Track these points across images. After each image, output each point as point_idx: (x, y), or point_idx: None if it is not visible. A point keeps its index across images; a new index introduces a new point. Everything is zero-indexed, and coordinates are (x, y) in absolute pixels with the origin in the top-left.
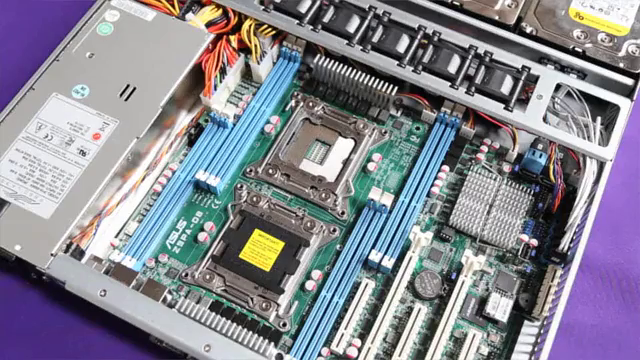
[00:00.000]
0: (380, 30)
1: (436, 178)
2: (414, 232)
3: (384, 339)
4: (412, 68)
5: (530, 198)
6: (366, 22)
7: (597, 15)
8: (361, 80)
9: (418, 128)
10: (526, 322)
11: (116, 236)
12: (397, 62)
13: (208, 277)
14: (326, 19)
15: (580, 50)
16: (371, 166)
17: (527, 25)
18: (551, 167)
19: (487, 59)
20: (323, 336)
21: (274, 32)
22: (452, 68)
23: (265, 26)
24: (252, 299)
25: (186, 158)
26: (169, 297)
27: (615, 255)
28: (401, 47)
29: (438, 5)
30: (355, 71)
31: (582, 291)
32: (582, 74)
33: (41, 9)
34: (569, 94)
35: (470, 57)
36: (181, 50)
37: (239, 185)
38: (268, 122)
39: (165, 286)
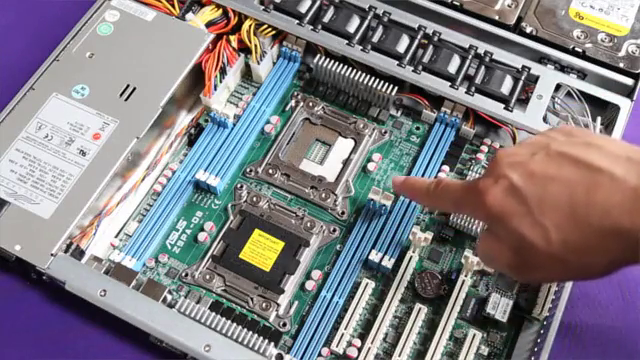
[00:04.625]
0: (380, 30)
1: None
2: (414, 232)
3: (384, 339)
4: (412, 68)
5: None
6: (366, 22)
7: (597, 15)
8: (361, 80)
9: (418, 128)
10: (526, 322)
11: (116, 236)
12: (397, 62)
13: (208, 277)
14: (326, 19)
15: (580, 50)
16: (371, 166)
17: (527, 25)
18: None
19: (487, 59)
20: (323, 336)
21: (274, 32)
22: (452, 68)
23: (265, 26)
24: (252, 299)
25: (186, 158)
26: (169, 297)
27: None
28: (401, 47)
29: (438, 5)
30: (355, 71)
31: (582, 291)
32: (582, 74)
33: (41, 9)
34: (569, 94)
35: (470, 57)
36: (181, 50)
37: (239, 185)
38: (268, 122)
39: (165, 286)
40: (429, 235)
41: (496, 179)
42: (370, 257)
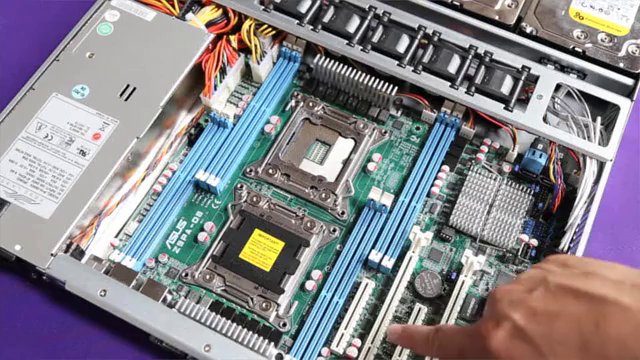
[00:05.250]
0: (380, 30)
1: (436, 178)
2: (414, 232)
3: (384, 339)
4: (412, 68)
5: (530, 198)
6: (366, 22)
7: (597, 15)
8: (361, 80)
9: (418, 128)
10: None
11: (116, 236)
12: (397, 62)
13: (208, 277)
14: (326, 19)
15: (580, 50)
16: (371, 166)
17: (527, 25)
18: (551, 167)
19: (487, 59)
20: (323, 336)
21: (274, 32)
22: (452, 68)
23: (265, 26)
24: (252, 299)
25: (186, 158)
26: (169, 297)
27: (615, 255)
28: (401, 47)
29: (438, 5)
30: (355, 71)
31: None
32: (582, 74)
33: (41, 9)
34: (569, 94)
35: (470, 57)
36: (181, 50)
37: (239, 185)
38: (268, 122)
39: (165, 286)
40: (429, 235)
41: (498, 321)
42: (370, 257)
